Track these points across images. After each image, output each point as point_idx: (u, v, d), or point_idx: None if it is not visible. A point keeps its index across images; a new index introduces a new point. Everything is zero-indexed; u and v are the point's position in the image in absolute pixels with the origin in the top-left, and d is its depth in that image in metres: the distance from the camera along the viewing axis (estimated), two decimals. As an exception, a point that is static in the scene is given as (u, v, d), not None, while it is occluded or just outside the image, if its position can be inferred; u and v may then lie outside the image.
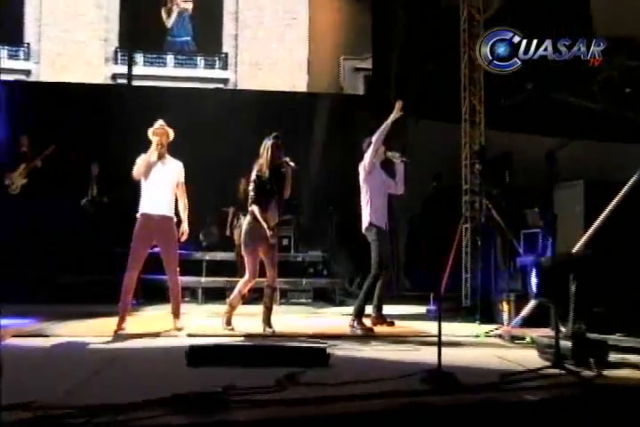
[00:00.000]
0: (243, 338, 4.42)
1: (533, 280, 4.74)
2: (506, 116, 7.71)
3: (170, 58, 9.23)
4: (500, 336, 4.64)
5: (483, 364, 3.63)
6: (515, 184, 6.31)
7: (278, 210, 4.67)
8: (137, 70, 9.12)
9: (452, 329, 4.87)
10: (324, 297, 7.37)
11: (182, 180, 4.71)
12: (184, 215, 4.71)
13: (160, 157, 4.65)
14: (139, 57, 9.13)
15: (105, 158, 7.69)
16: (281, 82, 9.27)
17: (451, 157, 7.64)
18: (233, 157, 7.24)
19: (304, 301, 7.29)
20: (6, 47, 8.86)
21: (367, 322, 4.98)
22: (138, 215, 4.60)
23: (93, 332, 4.49)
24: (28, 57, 8.91)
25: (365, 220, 5.04)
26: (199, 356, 3.37)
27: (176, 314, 4.71)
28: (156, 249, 4.71)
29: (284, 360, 3.37)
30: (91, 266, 6.98)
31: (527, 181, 7.07)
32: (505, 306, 5.12)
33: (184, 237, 4.69)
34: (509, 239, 5.71)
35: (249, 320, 4.91)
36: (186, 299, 6.57)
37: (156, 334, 4.47)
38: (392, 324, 5.20)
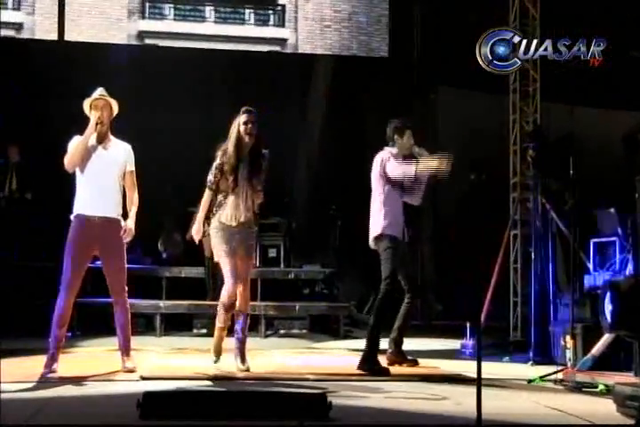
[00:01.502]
0: (214, 382, 4.39)
1: (608, 307, 4.70)
2: (570, 84, 7.69)
3: (209, 10, 9.08)
4: (561, 382, 4.62)
5: (538, 419, 3.60)
6: (582, 176, 6.29)
7: (251, 206, 4.69)
8: (165, 26, 9.04)
9: (496, 371, 4.86)
10: (323, 327, 7.35)
11: (132, 168, 4.65)
12: (132, 210, 4.66)
13: (101, 139, 4.57)
14: (167, 8, 9.02)
15: (35, 140, 7.62)
16: (355, 43, 9.19)
17: (494, 141, 7.61)
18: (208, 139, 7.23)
19: (297, 332, 7.28)
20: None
21: (382, 360, 4.95)
22: (72, 217, 4.55)
23: (11, 376, 4.35)
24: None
25: (374, 229, 5.05)
26: (156, 406, 3.33)
27: (125, 350, 4.67)
28: (97, 263, 4.66)
29: (270, 411, 3.35)
30: (6, 287, 6.82)
31: (599, 173, 7.04)
32: (569, 341, 5.08)
33: (128, 238, 4.62)
34: (574, 251, 5.67)
35: (225, 357, 4.87)
36: (139, 329, 6.54)
37: (99, 378, 4.43)
38: (415, 363, 5.18)
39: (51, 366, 4.40)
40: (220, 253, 4.73)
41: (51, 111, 7.68)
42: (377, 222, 5.03)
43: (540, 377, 4.70)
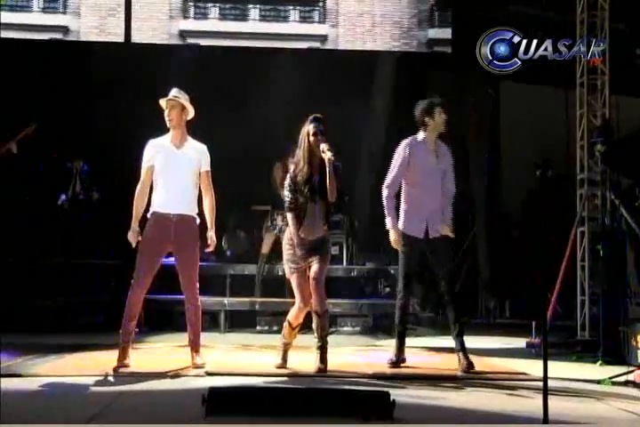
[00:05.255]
0: (279, 378, 4.43)
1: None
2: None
3: (253, 10, 9.23)
4: (633, 383, 4.50)
5: (610, 424, 3.51)
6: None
7: (325, 218, 4.65)
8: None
9: (563, 371, 4.76)
10: (386, 325, 7.31)
11: (207, 168, 4.71)
12: (210, 218, 4.72)
13: (176, 139, 4.67)
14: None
15: (98, 146, 7.85)
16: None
17: (560, 136, 7.43)
18: (272, 138, 7.28)
19: (360, 329, 7.27)
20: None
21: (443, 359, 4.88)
22: (148, 215, 4.66)
23: (83, 370, 4.55)
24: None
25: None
26: (222, 402, 3.38)
27: (194, 346, 4.74)
28: (166, 260, 4.75)
29: (332, 410, 3.36)
30: (76, 284, 7.07)
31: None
32: None
33: (211, 248, 4.73)
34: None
35: (291, 354, 4.89)
36: (204, 326, 6.60)
37: (167, 373, 4.50)
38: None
39: (123, 361, 4.53)
40: (290, 270, 4.65)
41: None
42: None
43: (610, 378, 4.57)
